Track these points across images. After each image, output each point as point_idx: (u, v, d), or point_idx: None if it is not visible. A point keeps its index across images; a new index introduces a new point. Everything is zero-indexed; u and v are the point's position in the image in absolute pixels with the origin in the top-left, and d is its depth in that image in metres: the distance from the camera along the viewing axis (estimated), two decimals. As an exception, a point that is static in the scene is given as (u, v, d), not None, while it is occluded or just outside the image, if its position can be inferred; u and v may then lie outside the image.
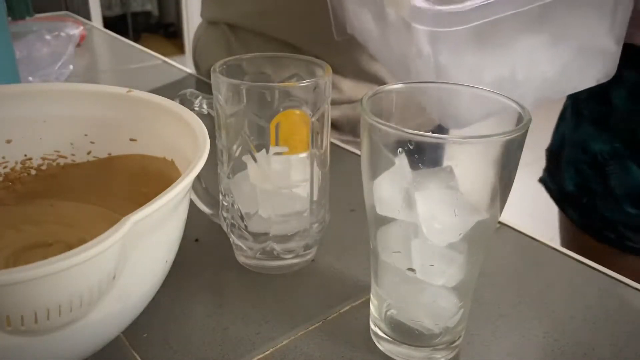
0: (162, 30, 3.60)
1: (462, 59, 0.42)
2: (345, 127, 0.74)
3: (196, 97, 0.40)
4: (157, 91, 0.40)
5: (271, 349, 0.35)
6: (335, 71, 0.41)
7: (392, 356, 0.35)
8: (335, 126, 0.73)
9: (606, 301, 0.40)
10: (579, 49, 0.46)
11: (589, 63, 0.48)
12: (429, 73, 0.43)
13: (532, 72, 0.46)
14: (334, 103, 0.40)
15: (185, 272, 0.41)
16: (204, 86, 0.80)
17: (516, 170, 0.29)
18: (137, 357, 0.34)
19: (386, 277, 0.33)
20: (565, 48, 0.46)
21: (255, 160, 0.37)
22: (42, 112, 0.40)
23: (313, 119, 0.37)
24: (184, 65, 0.90)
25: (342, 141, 0.64)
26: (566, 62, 0.47)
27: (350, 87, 0.73)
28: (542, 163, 0.79)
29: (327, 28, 0.57)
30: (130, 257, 0.27)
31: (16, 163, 0.41)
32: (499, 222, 0.48)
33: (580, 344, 0.36)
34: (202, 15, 0.83)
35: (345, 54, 0.69)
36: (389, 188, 0.30)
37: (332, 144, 0.47)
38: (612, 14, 0.45)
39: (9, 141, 0.40)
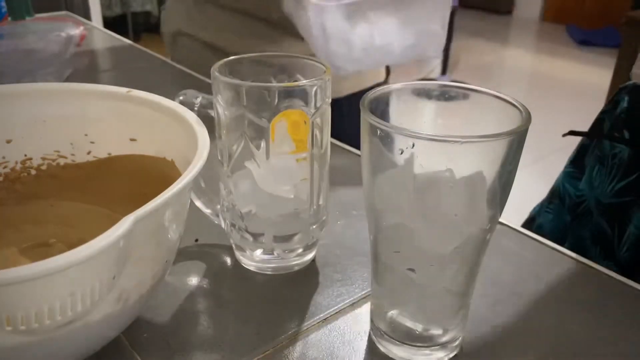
0: (162, 30, 3.59)
1: (340, 30, 0.69)
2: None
3: (196, 97, 0.40)
4: (157, 91, 0.40)
5: (271, 349, 0.35)
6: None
7: (392, 356, 0.35)
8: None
9: (606, 301, 0.40)
10: (417, 32, 0.72)
11: (424, 42, 0.74)
12: (319, 38, 0.69)
13: (386, 44, 0.72)
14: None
15: (185, 272, 0.41)
16: (204, 85, 0.80)
17: (516, 170, 0.29)
18: (137, 357, 0.34)
19: (386, 277, 0.33)
20: (408, 29, 0.71)
21: (255, 160, 0.37)
22: (42, 112, 0.40)
23: (313, 119, 0.37)
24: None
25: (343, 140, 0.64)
26: (409, 41, 0.72)
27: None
28: (542, 163, 0.79)
29: None
30: (130, 257, 0.27)
31: (16, 163, 0.41)
32: (499, 222, 0.48)
33: (580, 344, 0.36)
34: None
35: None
36: (389, 189, 0.30)
37: (332, 144, 0.47)
38: (438, 7, 0.72)
39: (9, 141, 0.40)
